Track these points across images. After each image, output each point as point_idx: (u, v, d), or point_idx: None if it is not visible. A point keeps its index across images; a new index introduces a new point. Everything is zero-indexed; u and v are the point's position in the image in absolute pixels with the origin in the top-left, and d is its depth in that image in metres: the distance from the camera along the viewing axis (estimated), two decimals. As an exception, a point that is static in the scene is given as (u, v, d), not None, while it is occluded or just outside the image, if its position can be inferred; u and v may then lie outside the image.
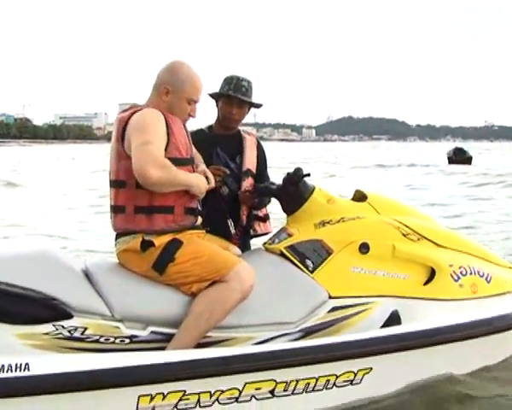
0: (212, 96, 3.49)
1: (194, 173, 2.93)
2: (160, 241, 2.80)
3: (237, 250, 3.25)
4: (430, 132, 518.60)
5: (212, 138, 3.48)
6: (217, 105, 3.49)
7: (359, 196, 3.38)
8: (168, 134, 2.81)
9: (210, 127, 3.58)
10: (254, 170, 3.49)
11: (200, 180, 2.92)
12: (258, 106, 3.52)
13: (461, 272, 3.13)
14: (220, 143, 3.47)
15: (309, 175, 3.20)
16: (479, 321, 2.96)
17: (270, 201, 3.52)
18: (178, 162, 2.82)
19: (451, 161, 33.18)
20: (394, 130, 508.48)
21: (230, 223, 3.33)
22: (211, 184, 3.03)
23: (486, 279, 3.19)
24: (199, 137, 3.33)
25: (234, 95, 3.37)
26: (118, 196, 2.86)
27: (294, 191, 3.21)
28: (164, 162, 2.70)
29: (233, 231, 3.33)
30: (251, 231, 3.51)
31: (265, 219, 3.62)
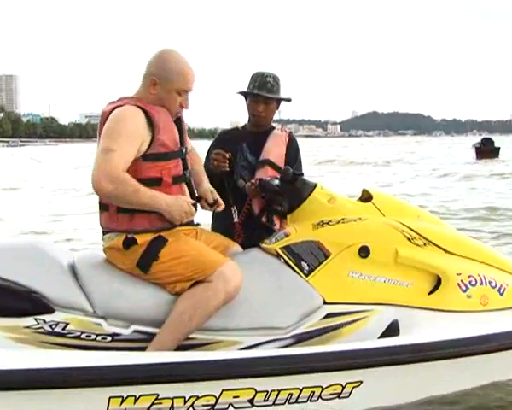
0: (241, 94, 3.49)
1: (175, 196, 2.71)
2: (144, 239, 2.72)
3: (238, 248, 3.13)
4: (456, 127, 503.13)
5: (242, 135, 3.49)
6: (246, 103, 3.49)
7: (366, 197, 3.18)
8: (153, 131, 2.69)
9: (244, 126, 3.59)
10: (279, 163, 3.38)
11: (177, 204, 2.68)
12: (286, 100, 3.50)
13: (470, 282, 2.88)
14: (248, 139, 3.45)
15: (302, 175, 3.03)
16: (484, 336, 2.69)
17: None
18: (164, 157, 2.73)
19: (479, 151, 32.99)
20: (419, 124, 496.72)
21: (234, 210, 3.30)
22: (220, 206, 3.06)
23: (499, 291, 2.92)
24: (231, 135, 3.43)
25: (258, 93, 3.35)
26: None
27: (292, 190, 3.05)
28: (119, 177, 2.56)
29: (236, 219, 3.29)
30: (275, 226, 3.35)
31: None
